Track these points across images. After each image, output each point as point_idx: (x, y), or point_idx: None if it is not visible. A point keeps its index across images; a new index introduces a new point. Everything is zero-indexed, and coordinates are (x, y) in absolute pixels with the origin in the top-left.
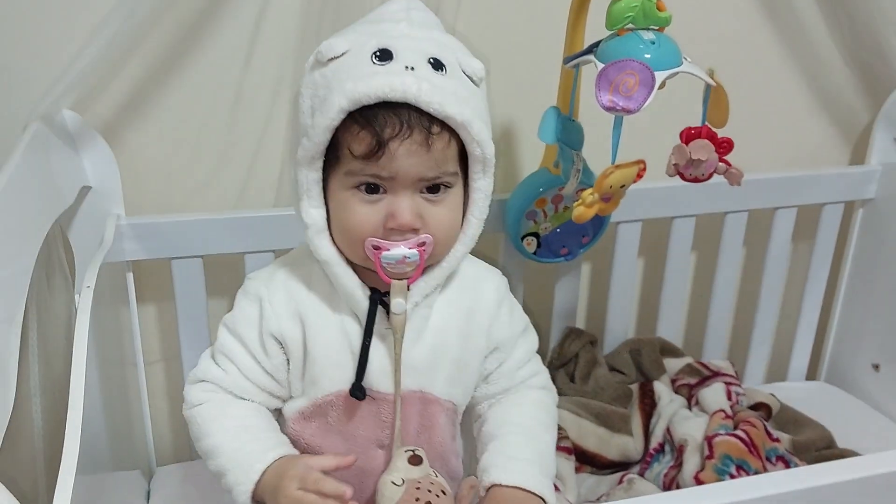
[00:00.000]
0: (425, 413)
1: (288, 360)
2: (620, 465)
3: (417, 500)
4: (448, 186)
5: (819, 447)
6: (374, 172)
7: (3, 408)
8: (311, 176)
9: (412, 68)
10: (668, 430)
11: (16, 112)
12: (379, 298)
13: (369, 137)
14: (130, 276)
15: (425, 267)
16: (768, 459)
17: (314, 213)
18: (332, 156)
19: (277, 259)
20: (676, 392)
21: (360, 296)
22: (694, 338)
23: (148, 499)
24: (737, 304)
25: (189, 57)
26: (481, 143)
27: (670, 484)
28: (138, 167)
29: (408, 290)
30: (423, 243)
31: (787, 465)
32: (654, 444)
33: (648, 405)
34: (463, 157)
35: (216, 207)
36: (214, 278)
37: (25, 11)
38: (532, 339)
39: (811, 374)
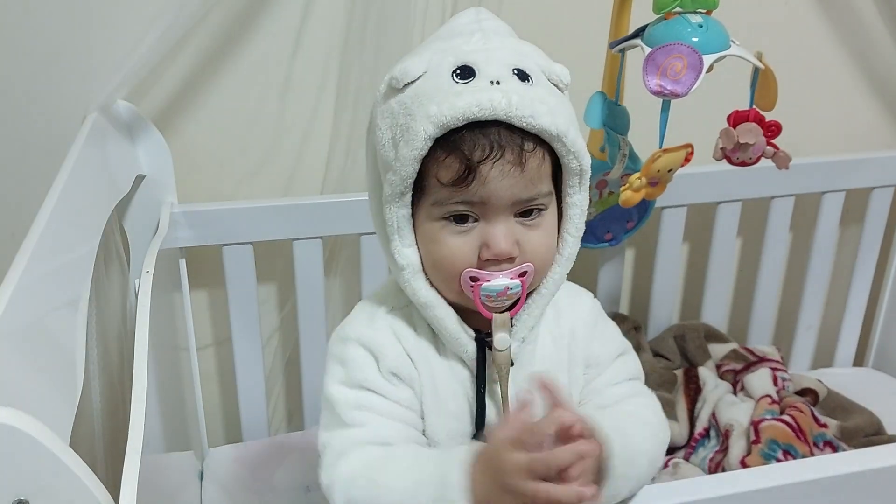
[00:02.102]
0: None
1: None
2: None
3: None
4: (542, 209)
5: (867, 433)
6: (464, 199)
7: (73, 389)
8: (401, 213)
9: (497, 82)
10: (713, 415)
11: (74, 102)
12: (484, 339)
13: (457, 163)
14: (183, 263)
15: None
16: (815, 445)
17: (408, 252)
18: (416, 187)
19: (365, 301)
20: (721, 378)
21: (466, 339)
22: (739, 323)
23: (201, 478)
24: (783, 289)
25: (238, 49)
26: (578, 154)
27: (716, 468)
28: (190, 156)
29: (510, 322)
30: (525, 273)
31: (835, 450)
32: (699, 428)
33: (693, 390)
34: (554, 173)
35: (265, 195)
36: (264, 264)
37: (81, 6)
38: (630, 365)
39: (858, 361)
